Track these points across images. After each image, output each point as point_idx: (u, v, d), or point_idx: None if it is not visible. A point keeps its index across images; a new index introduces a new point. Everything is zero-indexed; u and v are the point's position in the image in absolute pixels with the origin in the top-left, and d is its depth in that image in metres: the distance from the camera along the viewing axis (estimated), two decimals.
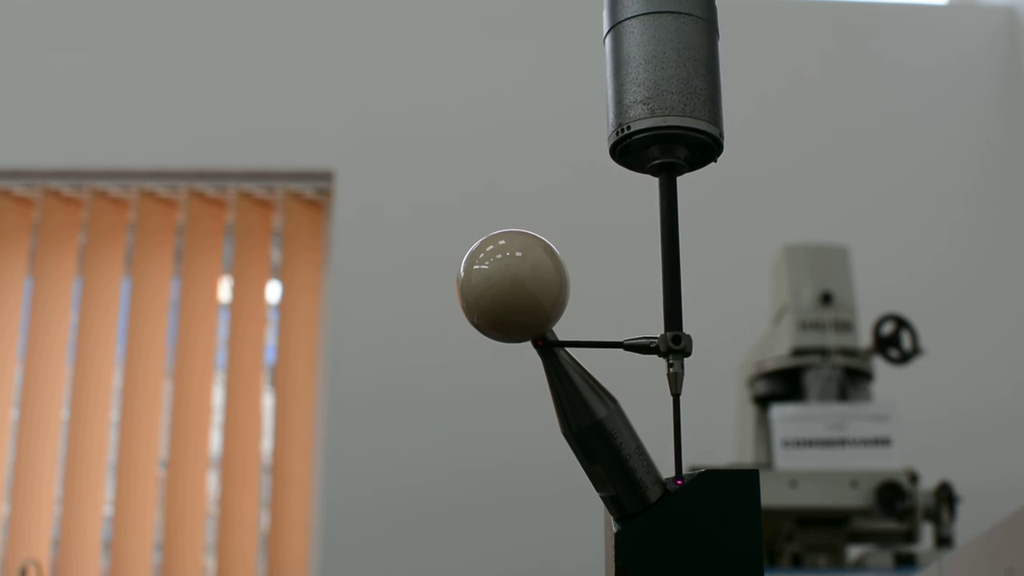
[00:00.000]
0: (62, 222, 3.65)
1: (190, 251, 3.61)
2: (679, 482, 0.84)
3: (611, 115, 0.89)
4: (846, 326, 2.58)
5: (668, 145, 0.88)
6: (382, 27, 3.83)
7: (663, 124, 0.87)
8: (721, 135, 0.88)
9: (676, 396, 0.86)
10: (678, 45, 0.88)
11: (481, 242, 0.83)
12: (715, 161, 0.90)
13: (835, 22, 3.99)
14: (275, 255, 3.68)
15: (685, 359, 0.86)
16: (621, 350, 0.85)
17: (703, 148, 0.89)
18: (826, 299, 2.60)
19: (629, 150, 0.89)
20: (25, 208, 3.69)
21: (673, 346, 0.85)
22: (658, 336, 0.86)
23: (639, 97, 0.87)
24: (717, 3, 0.93)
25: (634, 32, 0.89)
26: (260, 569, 3.41)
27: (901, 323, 2.61)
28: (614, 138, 0.89)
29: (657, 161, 0.89)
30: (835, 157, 3.79)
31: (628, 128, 0.88)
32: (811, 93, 3.86)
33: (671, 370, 0.85)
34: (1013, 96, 3.90)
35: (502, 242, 0.83)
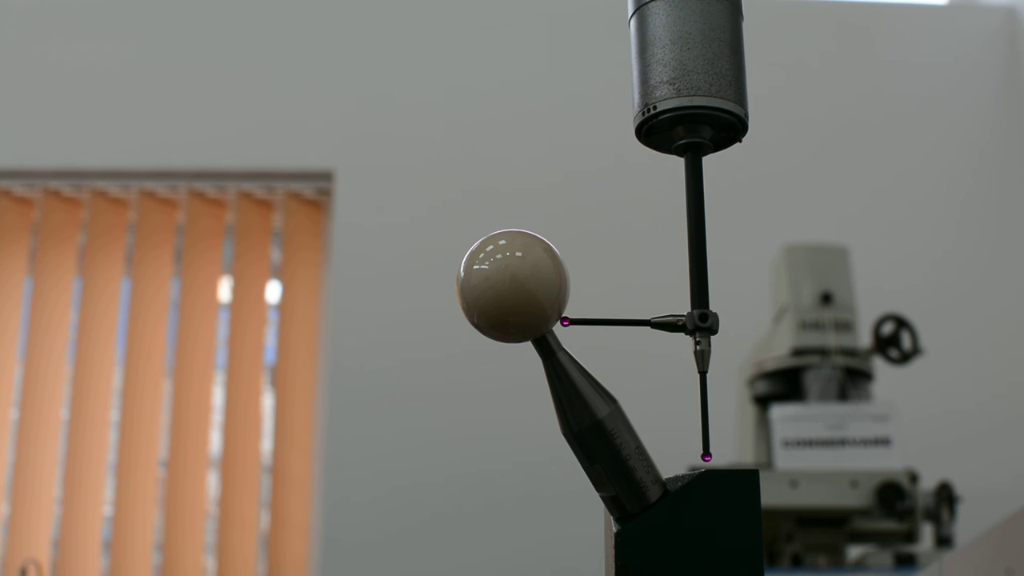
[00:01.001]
0: (62, 222, 3.65)
1: (190, 251, 3.61)
2: (707, 457, 0.85)
3: (637, 96, 0.89)
4: (846, 326, 2.58)
5: (694, 125, 0.88)
6: (382, 27, 3.83)
7: (689, 104, 0.87)
8: (746, 115, 0.88)
9: (703, 373, 0.86)
10: (704, 26, 0.88)
11: (481, 242, 0.83)
12: (740, 141, 0.90)
13: (835, 22, 3.99)
14: (275, 255, 3.68)
15: (712, 337, 0.86)
16: (648, 328, 0.86)
17: (728, 128, 0.89)
18: (826, 299, 2.60)
19: (655, 130, 0.90)
20: (25, 208, 3.69)
21: (700, 324, 0.85)
22: (685, 314, 0.86)
23: (665, 77, 0.88)
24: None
25: (659, 13, 0.89)
26: (260, 569, 3.41)
27: (901, 323, 2.61)
28: (640, 118, 0.89)
29: (683, 141, 0.89)
30: (835, 157, 3.79)
31: (654, 108, 0.88)
32: (811, 93, 3.86)
33: (698, 347, 0.85)
34: (1013, 96, 3.90)
35: (502, 242, 0.82)
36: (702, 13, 0.88)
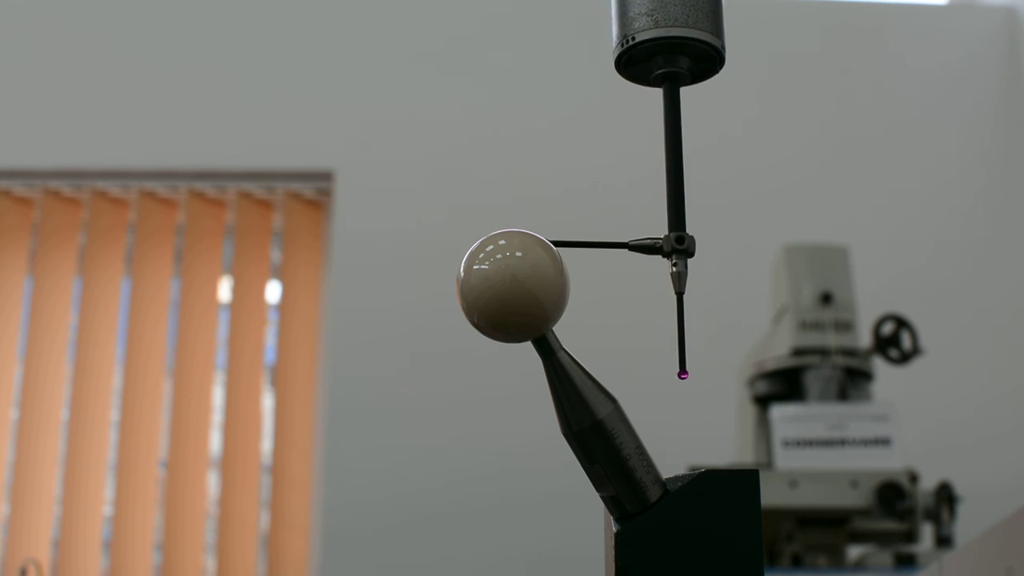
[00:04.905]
0: (62, 222, 3.65)
1: (190, 251, 3.61)
2: (684, 375, 0.85)
3: (616, 28, 0.91)
4: (846, 326, 2.58)
5: (671, 55, 0.90)
6: (382, 28, 3.83)
7: (667, 35, 0.89)
8: (723, 47, 0.90)
9: (680, 295, 0.88)
10: None
11: (481, 242, 0.83)
12: (717, 72, 0.92)
13: (836, 22, 3.99)
14: (275, 255, 3.68)
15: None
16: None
17: (706, 59, 0.91)
18: (826, 299, 2.60)
19: (634, 61, 0.92)
20: (25, 208, 3.69)
21: (677, 246, 0.87)
22: (662, 236, 0.87)
23: (643, 9, 0.90)
24: None
25: None
26: (260, 569, 3.41)
27: (901, 323, 2.61)
28: (619, 49, 0.91)
29: (661, 71, 0.91)
30: (835, 157, 3.79)
31: (633, 39, 0.89)
32: (811, 93, 3.86)
33: (675, 269, 0.87)
34: (1013, 96, 3.90)
35: (502, 242, 0.82)
36: None
